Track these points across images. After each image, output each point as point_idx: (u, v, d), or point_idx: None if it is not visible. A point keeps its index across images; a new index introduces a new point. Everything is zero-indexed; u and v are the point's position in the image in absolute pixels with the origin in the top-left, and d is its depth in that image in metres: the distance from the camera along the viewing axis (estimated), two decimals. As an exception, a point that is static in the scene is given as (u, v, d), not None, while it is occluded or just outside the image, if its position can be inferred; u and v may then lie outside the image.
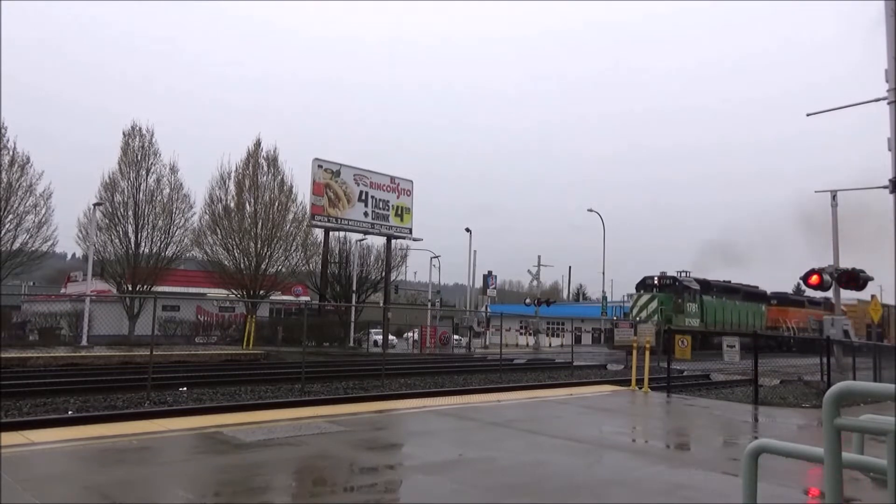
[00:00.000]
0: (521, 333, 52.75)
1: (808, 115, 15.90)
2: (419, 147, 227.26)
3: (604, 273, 46.95)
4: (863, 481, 5.16)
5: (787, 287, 58.47)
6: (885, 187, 7.19)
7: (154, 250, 36.06)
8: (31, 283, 58.59)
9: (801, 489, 6.07)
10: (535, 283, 55.26)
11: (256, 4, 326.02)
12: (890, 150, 6.79)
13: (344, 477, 6.10)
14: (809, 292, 38.46)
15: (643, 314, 36.76)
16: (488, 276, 49.44)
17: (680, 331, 28.78)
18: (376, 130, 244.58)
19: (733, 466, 6.46)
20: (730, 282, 45.33)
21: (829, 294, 19.50)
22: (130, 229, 35.63)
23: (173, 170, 37.12)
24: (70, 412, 11.08)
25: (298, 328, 32.49)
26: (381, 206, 39.57)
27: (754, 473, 3.41)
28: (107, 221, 35.40)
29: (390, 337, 36.99)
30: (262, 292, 38.67)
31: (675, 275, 39.44)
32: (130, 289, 34.84)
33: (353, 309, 40.08)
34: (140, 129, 36.71)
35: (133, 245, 35.58)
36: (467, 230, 47.54)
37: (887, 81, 6.92)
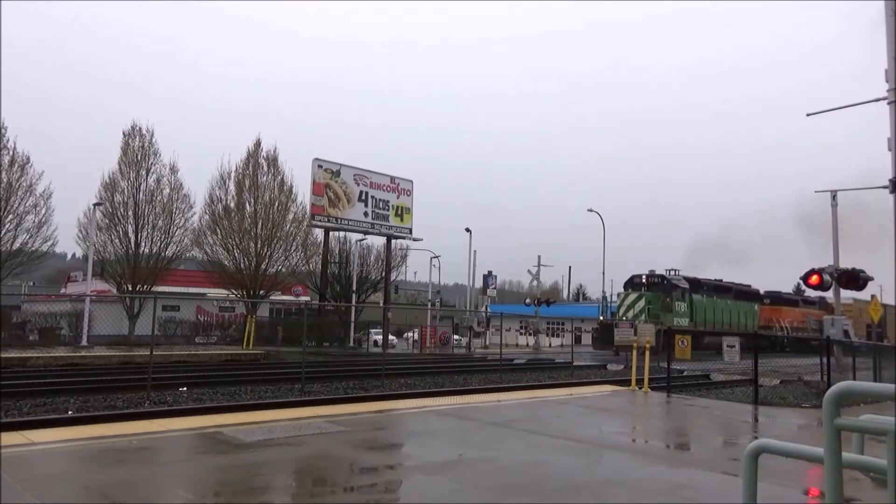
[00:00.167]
0: (521, 333, 52.73)
1: (808, 115, 15.92)
2: (419, 147, 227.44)
3: (604, 273, 46.85)
4: (863, 481, 5.15)
5: (788, 287, 58.51)
6: (885, 187, 7.20)
7: (154, 250, 36.04)
8: (31, 283, 58.61)
9: (801, 489, 6.07)
10: (535, 283, 55.27)
11: (256, 4, 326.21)
12: (890, 150, 6.79)
13: (344, 477, 6.10)
14: (807, 292, 38.43)
15: (630, 313, 36.08)
16: (488, 276, 49.42)
17: (679, 331, 28.74)
18: (376, 130, 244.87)
19: (733, 466, 6.46)
20: (721, 280, 44.55)
21: (828, 294, 19.51)
22: (130, 229, 35.62)
23: (173, 170, 37.16)
24: (70, 412, 11.07)
25: (298, 328, 32.49)
26: (381, 206, 39.57)
27: (754, 473, 3.41)
28: (107, 221, 35.39)
29: (390, 337, 36.99)
30: (262, 292, 38.66)
31: (663, 273, 38.71)
32: (130, 289, 34.83)
33: (353, 309, 40.07)
34: (140, 129, 36.74)
35: (133, 245, 35.57)
36: (467, 230, 47.55)
37: (887, 81, 6.92)
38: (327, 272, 40.23)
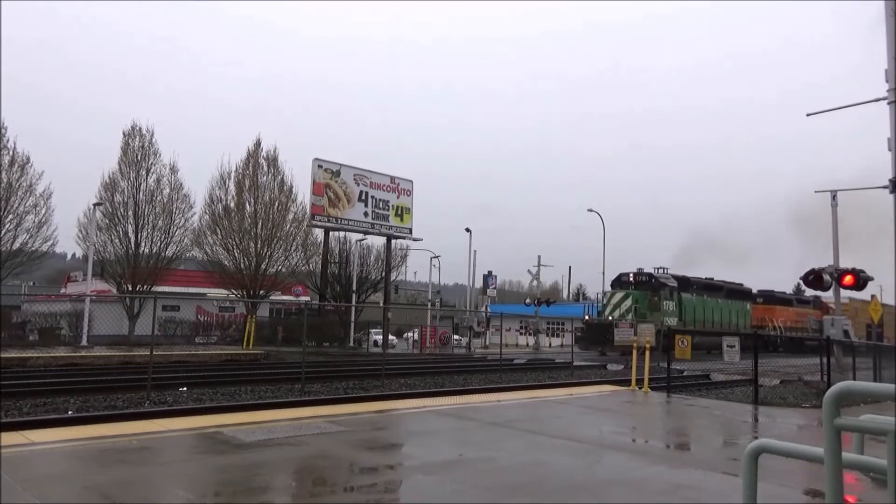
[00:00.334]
0: (521, 333, 52.70)
1: (808, 115, 15.92)
2: (419, 147, 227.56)
3: (604, 273, 46.66)
4: (863, 481, 5.15)
5: (787, 287, 58.44)
6: (885, 187, 7.20)
7: (154, 250, 36.02)
8: (31, 283, 58.58)
9: (801, 489, 6.07)
10: (535, 283, 55.27)
11: (256, 4, 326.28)
12: (890, 150, 6.79)
13: (344, 477, 6.10)
14: (807, 292, 38.27)
15: (616, 313, 35.57)
16: (488, 276, 49.41)
17: (679, 331, 28.68)
18: (376, 130, 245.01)
19: (733, 466, 6.46)
20: (713, 279, 43.81)
21: (826, 294, 19.51)
22: (130, 229, 35.59)
23: (173, 170, 37.13)
24: (70, 412, 11.07)
25: (298, 328, 32.48)
26: (381, 206, 39.55)
27: (754, 473, 3.41)
28: (107, 221, 35.37)
29: (390, 337, 36.97)
30: (262, 292, 38.65)
31: (651, 271, 38.04)
32: (130, 289, 34.81)
33: (353, 309, 40.05)
34: (140, 129, 36.70)
35: (133, 245, 35.56)
36: (467, 230, 47.54)
37: (887, 81, 6.93)
38: (327, 272, 40.22)
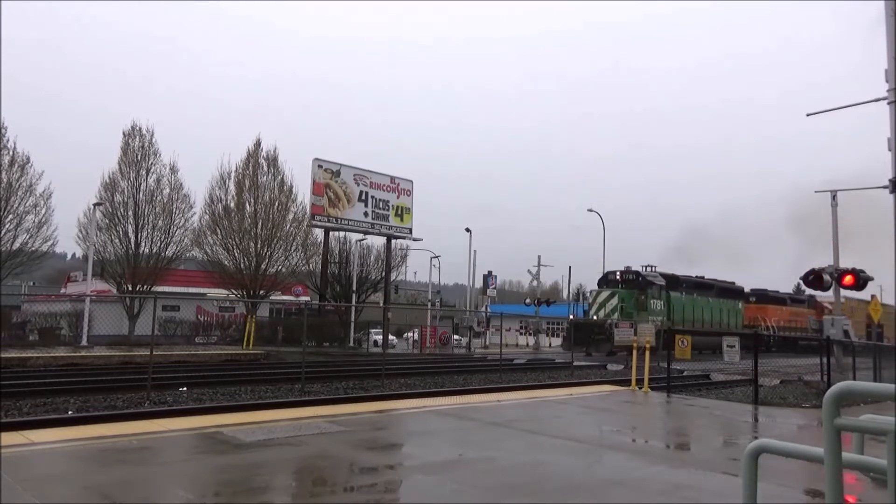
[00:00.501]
0: (521, 333, 52.67)
1: (808, 115, 15.90)
2: (419, 147, 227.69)
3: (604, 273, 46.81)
4: (863, 481, 5.15)
5: (788, 287, 58.37)
6: (885, 187, 7.19)
7: (154, 250, 36.03)
8: (31, 283, 58.60)
9: (801, 489, 6.07)
10: (535, 283, 55.22)
11: (256, 4, 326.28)
12: (890, 150, 6.79)
13: (344, 477, 6.10)
14: (807, 291, 38.20)
15: (602, 312, 35.04)
16: (488, 276, 49.39)
17: (679, 331, 28.65)
18: (376, 130, 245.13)
19: (733, 466, 6.46)
20: (703, 277, 43.05)
21: (822, 293, 19.51)
22: (130, 229, 35.59)
23: (173, 170, 37.14)
24: (70, 412, 11.07)
25: (298, 328, 32.48)
26: (381, 206, 39.55)
27: (754, 473, 3.41)
28: (107, 221, 35.37)
29: (390, 337, 36.96)
30: (262, 292, 38.65)
31: (639, 269, 37.48)
32: (130, 289, 34.81)
33: (353, 309, 40.05)
34: (140, 129, 36.71)
35: (133, 245, 35.56)
36: (467, 230, 47.54)
37: (887, 81, 6.92)
38: (327, 272, 40.22)
